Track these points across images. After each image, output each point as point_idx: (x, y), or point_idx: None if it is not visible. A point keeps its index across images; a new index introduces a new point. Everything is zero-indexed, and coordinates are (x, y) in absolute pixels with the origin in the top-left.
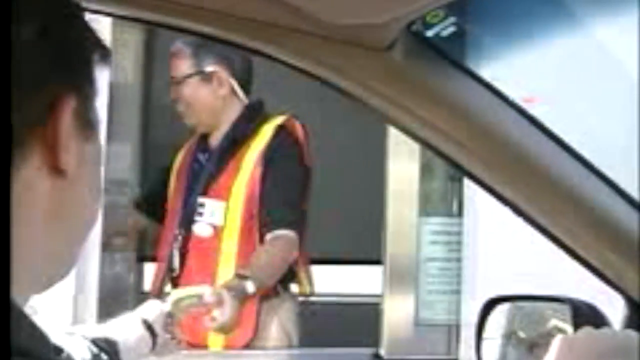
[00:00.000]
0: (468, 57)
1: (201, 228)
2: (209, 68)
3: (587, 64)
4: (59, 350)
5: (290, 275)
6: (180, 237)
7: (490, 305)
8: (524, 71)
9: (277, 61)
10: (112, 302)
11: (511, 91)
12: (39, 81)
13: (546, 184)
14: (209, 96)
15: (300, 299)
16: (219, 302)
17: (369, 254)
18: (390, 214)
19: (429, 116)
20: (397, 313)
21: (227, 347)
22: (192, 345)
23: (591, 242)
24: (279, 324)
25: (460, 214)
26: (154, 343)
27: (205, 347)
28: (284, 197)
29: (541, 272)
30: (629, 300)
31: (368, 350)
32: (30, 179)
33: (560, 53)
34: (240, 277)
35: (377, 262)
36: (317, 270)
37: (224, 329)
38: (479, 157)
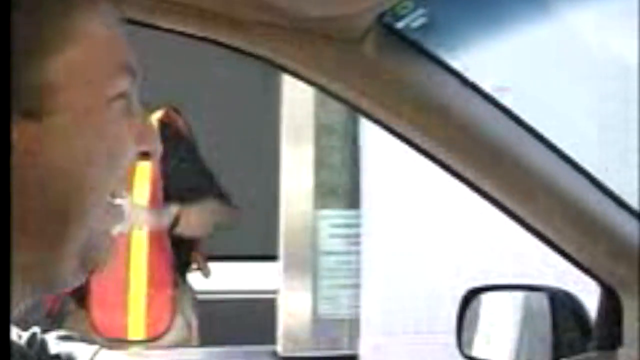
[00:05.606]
0: (439, 47)
1: None
2: None
3: (561, 52)
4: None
5: (186, 267)
6: None
7: (470, 296)
8: (496, 60)
9: (249, 55)
10: None
11: (483, 80)
12: None
13: (519, 173)
14: None
15: (199, 297)
16: None
17: (267, 249)
18: (285, 207)
19: (401, 108)
20: (295, 309)
21: (147, 337)
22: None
23: (564, 228)
24: (182, 316)
25: (358, 205)
26: None
27: (123, 339)
28: (192, 179)
29: (445, 265)
30: (604, 287)
31: (268, 348)
32: None
33: (533, 41)
34: None
35: (274, 257)
36: (212, 267)
37: None
38: (452, 147)
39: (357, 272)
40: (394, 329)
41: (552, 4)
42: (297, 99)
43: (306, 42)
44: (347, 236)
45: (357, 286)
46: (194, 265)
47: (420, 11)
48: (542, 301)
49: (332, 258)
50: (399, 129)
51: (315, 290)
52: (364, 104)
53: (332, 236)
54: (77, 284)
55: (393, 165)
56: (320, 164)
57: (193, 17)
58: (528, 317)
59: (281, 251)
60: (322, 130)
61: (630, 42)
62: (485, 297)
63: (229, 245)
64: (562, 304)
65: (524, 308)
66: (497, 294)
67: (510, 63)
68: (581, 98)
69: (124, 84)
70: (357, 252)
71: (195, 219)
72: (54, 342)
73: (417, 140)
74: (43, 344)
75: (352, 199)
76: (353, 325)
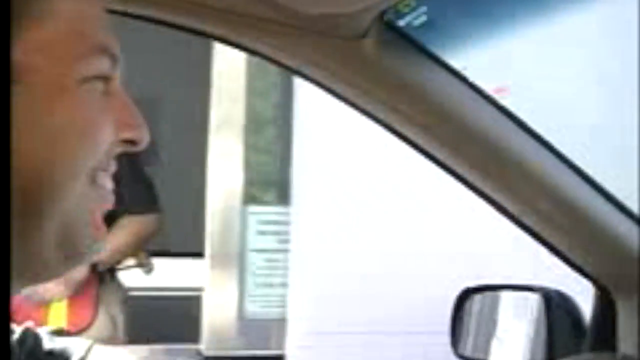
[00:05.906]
0: (440, 46)
1: None
2: None
3: (561, 52)
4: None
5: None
6: None
7: (465, 295)
8: (496, 60)
9: (249, 52)
10: None
11: (483, 80)
12: None
13: (517, 173)
14: None
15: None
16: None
17: (193, 246)
18: (211, 203)
19: (401, 106)
20: (220, 307)
21: (68, 329)
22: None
23: (560, 228)
24: (107, 311)
25: (288, 202)
26: None
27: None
28: (133, 182)
29: (375, 265)
30: (599, 288)
31: (192, 346)
32: None
33: (533, 41)
34: None
35: (200, 254)
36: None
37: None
38: (451, 146)
39: (285, 271)
40: (322, 329)
41: (552, 4)
42: (227, 89)
43: (307, 39)
44: (276, 233)
45: (285, 285)
46: (132, 262)
47: (422, 9)
48: (536, 302)
49: (260, 256)
50: (398, 127)
51: (242, 288)
52: (364, 101)
53: (261, 233)
54: (60, 274)
55: (325, 161)
56: (249, 158)
57: (193, 11)
58: (522, 318)
59: (207, 248)
60: (252, 124)
61: (631, 43)
62: (479, 297)
63: (154, 241)
64: (556, 304)
65: (518, 308)
66: (491, 294)
67: (510, 63)
68: (581, 98)
69: (100, 65)
70: (286, 250)
71: (119, 244)
72: (47, 337)
73: (415, 138)
74: (37, 339)
75: (282, 195)
76: (280, 324)
